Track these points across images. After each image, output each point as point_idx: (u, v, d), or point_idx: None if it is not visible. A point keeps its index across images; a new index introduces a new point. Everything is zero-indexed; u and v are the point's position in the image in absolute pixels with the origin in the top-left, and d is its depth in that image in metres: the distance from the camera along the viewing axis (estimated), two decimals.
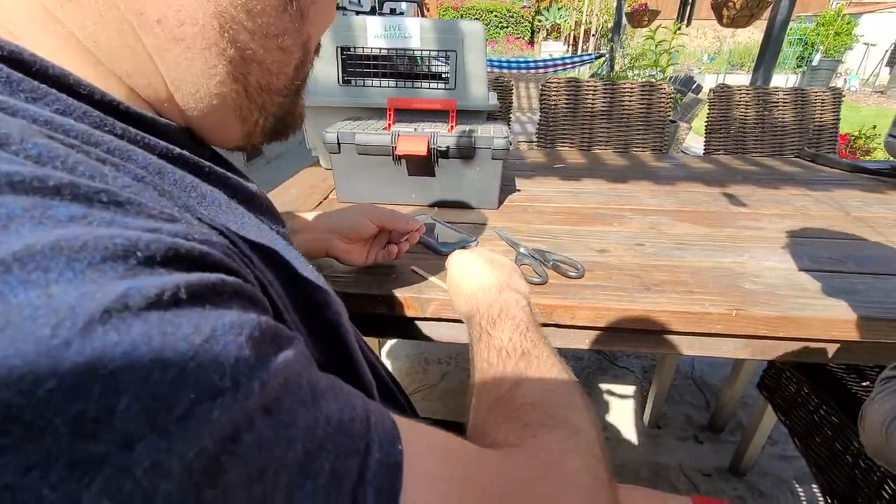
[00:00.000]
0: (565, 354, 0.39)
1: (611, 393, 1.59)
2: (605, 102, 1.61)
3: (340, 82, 1.03)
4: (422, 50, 1.00)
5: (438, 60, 1.04)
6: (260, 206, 0.34)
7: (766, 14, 2.79)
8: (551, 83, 1.62)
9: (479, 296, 0.47)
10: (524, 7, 12.62)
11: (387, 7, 3.63)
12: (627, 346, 0.65)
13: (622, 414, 1.49)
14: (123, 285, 0.16)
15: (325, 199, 0.98)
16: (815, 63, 10.34)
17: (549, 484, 0.26)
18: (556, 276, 0.67)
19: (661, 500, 0.59)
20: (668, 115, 1.61)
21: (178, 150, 0.27)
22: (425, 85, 1.04)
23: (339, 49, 1.00)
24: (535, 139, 1.69)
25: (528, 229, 0.85)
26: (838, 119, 1.63)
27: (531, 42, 12.38)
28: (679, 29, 4.21)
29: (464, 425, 0.36)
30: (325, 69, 1.01)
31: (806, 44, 10.51)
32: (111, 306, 0.15)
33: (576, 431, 0.31)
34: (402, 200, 0.94)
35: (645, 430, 1.43)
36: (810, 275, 0.68)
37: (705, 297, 0.62)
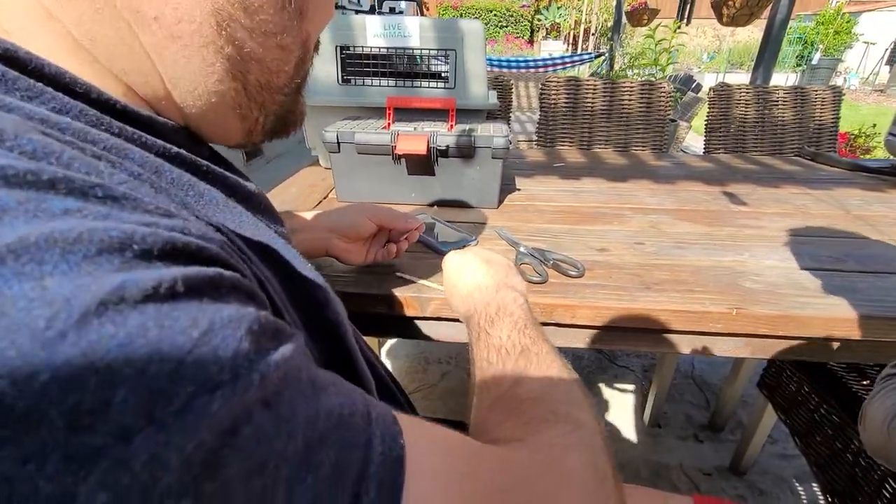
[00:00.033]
0: (565, 353, 0.39)
1: (611, 392, 1.59)
2: (604, 101, 1.60)
3: (340, 81, 1.02)
4: (421, 49, 1.00)
5: (438, 59, 1.04)
6: (258, 206, 0.34)
7: (766, 13, 2.78)
8: (551, 82, 1.62)
9: (475, 295, 0.47)
10: (524, 6, 12.63)
11: (386, 6, 3.63)
12: (627, 345, 0.65)
13: (622, 413, 1.49)
14: (119, 278, 0.16)
15: (324, 198, 0.98)
16: (814, 62, 10.35)
17: (549, 481, 0.26)
18: (556, 276, 0.67)
19: (662, 499, 0.59)
20: (668, 114, 1.61)
21: (175, 148, 0.27)
22: (425, 84, 1.04)
23: (338, 48, 1.00)
24: (535, 138, 1.69)
25: (528, 228, 0.84)
26: (838, 118, 1.63)
27: (531, 41, 12.39)
28: (679, 28, 4.19)
29: (465, 424, 0.36)
30: (325, 68, 1.00)
31: (806, 42, 10.52)
32: (107, 298, 0.15)
33: (578, 426, 0.31)
34: (402, 200, 0.93)
35: (645, 429, 1.43)
36: (810, 273, 0.68)
37: (705, 296, 0.61)
